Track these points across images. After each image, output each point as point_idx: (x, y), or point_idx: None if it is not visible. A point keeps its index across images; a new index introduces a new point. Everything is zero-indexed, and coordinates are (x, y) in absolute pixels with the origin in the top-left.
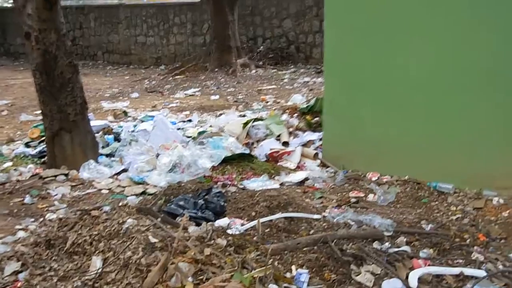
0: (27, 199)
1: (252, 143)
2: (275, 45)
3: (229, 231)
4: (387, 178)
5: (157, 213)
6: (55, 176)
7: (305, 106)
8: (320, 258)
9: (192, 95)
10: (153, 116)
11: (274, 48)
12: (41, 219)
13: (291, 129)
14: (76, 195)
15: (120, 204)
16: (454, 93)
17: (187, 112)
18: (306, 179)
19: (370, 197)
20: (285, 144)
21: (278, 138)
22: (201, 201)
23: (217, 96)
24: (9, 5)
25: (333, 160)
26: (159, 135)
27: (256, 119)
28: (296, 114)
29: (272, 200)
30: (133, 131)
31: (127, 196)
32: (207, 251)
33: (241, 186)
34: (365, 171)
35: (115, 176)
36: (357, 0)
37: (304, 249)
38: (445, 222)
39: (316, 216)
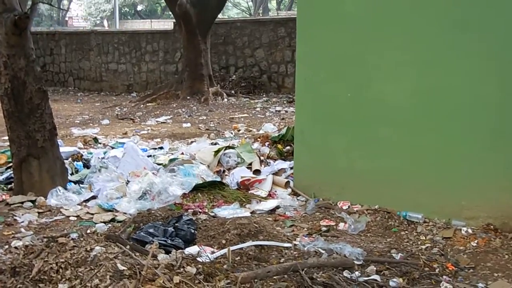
0: None
1: (223, 171)
2: (247, 74)
3: (199, 259)
4: (358, 207)
5: (125, 240)
6: (22, 202)
7: (276, 135)
8: (290, 286)
9: (163, 122)
10: (123, 143)
11: (247, 77)
12: (6, 246)
13: (262, 158)
14: (43, 222)
15: (88, 231)
16: (424, 125)
17: (158, 140)
18: (277, 207)
19: (341, 225)
20: (257, 172)
21: (249, 166)
22: (171, 229)
23: (189, 124)
24: None
25: (304, 189)
26: (129, 162)
27: (227, 147)
28: (267, 143)
29: (242, 228)
30: (103, 158)
31: (96, 223)
32: (176, 279)
33: (212, 214)
34: (336, 200)
35: (84, 203)
36: (329, 32)
37: (275, 277)
38: (414, 251)
39: (286, 245)
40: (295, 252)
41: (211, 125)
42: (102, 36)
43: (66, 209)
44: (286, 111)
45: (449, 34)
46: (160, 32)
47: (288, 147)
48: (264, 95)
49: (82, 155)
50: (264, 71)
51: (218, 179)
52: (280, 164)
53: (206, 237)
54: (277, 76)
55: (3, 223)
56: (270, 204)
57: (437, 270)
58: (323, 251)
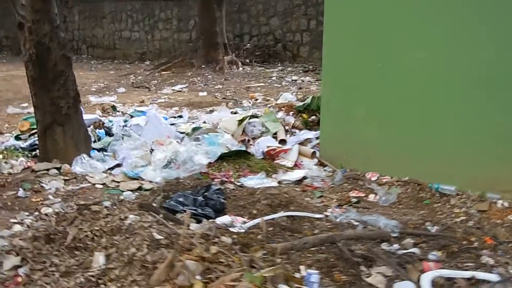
0: (21, 193)
1: (248, 140)
2: (262, 43)
3: (232, 229)
4: (387, 179)
5: (158, 209)
6: (47, 169)
7: (301, 104)
8: (329, 258)
9: (179, 91)
10: (142, 111)
11: (261, 46)
12: (36, 213)
13: (287, 127)
14: (70, 189)
15: (121, 199)
16: (457, 94)
17: (176, 108)
18: (304, 177)
19: (371, 197)
20: (282, 142)
21: (274, 135)
22: (200, 198)
23: (205, 93)
24: None
25: (330, 159)
26: (152, 131)
27: (251, 116)
28: (291, 112)
29: (273, 198)
30: (124, 125)
31: (123, 191)
32: (213, 249)
33: (239, 184)
34: (363, 171)
35: (109, 171)
36: (357, 1)
37: (312, 249)
38: (449, 224)
39: (318, 216)
40: (327, 223)
41: (227, 94)
42: (115, 3)
43: (91, 177)
44: (303, 81)
45: (484, 4)
46: (174, 0)
47: (313, 117)
48: (279, 64)
49: (103, 123)
50: (278, 39)
51: (243, 148)
52: (306, 134)
53: (236, 207)
54: (292, 45)
55: (30, 190)
56: (297, 174)
57: (475, 244)
58: (356, 223)
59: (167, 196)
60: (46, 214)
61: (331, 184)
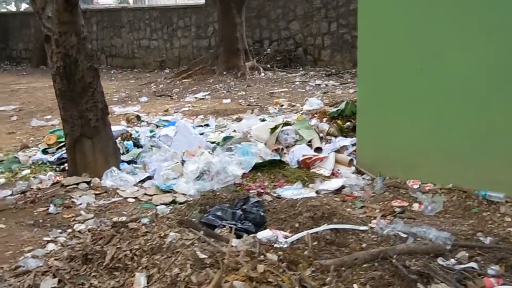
0: (52, 209)
1: (282, 149)
2: (282, 47)
3: (275, 245)
4: (430, 186)
5: (199, 225)
6: (77, 184)
7: (334, 110)
8: (383, 276)
9: (202, 98)
10: (168, 121)
11: (282, 50)
12: (69, 230)
13: (321, 134)
14: (102, 204)
15: (156, 214)
16: (499, 97)
17: (201, 116)
18: (343, 187)
19: (415, 206)
20: (318, 150)
21: (309, 143)
22: (239, 212)
23: (229, 100)
24: (11, 10)
25: (368, 167)
26: (182, 141)
27: (284, 124)
28: (325, 119)
29: (315, 211)
30: (152, 136)
31: (156, 205)
32: (260, 268)
33: (275, 195)
34: (404, 179)
35: (140, 184)
36: (391, 3)
37: (363, 265)
38: (502, 234)
39: (363, 228)
40: (373, 236)
41: (251, 100)
42: (133, 12)
43: (122, 190)
44: (327, 85)
45: None
46: (192, 7)
47: (348, 123)
48: (300, 69)
49: (131, 134)
50: (299, 44)
51: (278, 157)
52: (342, 141)
53: (277, 220)
54: (313, 49)
55: (61, 206)
56: (335, 183)
57: None
58: (404, 235)
59: (204, 210)
60: (80, 231)
61: (372, 193)
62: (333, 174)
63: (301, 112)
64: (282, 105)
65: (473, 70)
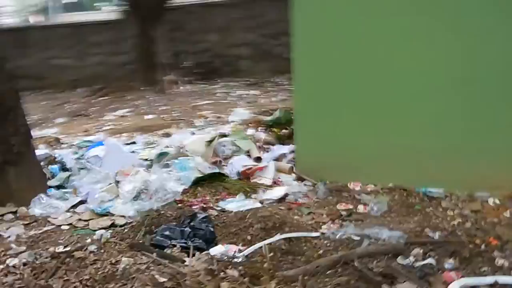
0: None
1: (220, 161)
2: (200, 59)
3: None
4: (371, 187)
5: (150, 247)
6: (2, 215)
7: (269, 118)
8: (349, 281)
9: (123, 116)
10: (91, 141)
11: (200, 62)
12: (1, 266)
13: (259, 144)
14: (33, 234)
15: (101, 239)
16: (437, 93)
17: (125, 134)
18: (286, 195)
19: (360, 208)
20: (257, 159)
21: (247, 153)
22: (187, 229)
23: (151, 116)
24: None
25: (308, 173)
26: (113, 161)
27: (221, 136)
28: (260, 128)
29: (266, 221)
30: (78, 158)
31: (94, 231)
32: (225, 285)
33: (219, 208)
34: (345, 182)
35: (72, 209)
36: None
37: (327, 272)
38: (448, 228)
39: (314, 234)
40: (325, 242)
41: (174, 115)
42: (42, 31)
43: (54, 218)
44: (248, 94)
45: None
46: (105, 23)
47: (284, 130)
48: (219, 80)
49: (55, 158)
50: (217, 55)
51: (217, 170)
52: (280, 149)
53: (227, 234)
54: (231, 59)
55: None
56: (278, 192)
57: (482, 246)
58: (357, 238)
59: (150, 231)
60: (14, 266)
61: (316, 199)
62: (275, 183)
63: (233, 123)
64: (207, 118)
65: (408, 68)
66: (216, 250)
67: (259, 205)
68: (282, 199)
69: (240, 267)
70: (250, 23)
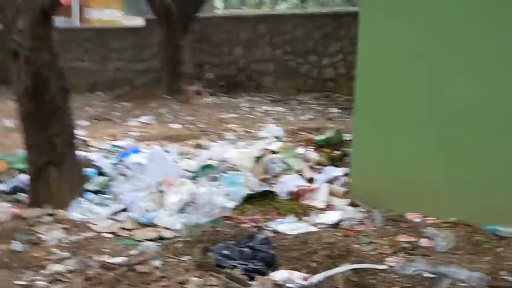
0: (17, 246)
1: (269, 179)
2: (224, 72)
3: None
4: (432, 220)
5: (218, 268)
6: (39, 216)
7: (322, 138)
8: None
9: (147, 123)
10: (120, 146)
11: (224, 75)
12: (44, 271)
13: (309, 163)
14: (74, 239)
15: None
16: (505, 127)
17: (151, 142)
18: (340, 220)
19: (423, 242)
20: (311, 180)
21: (298, 173)
22: (247, 250)
23: (177, 125)
24: None
25: (363, 199)
26: (157, 169)
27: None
28: (311, 147)
29: (332, 248)
30: (115, 163)
31: (139, 241)
32: None
33: (271, 228)
34: (401, 212)
35: (112, 217)
36: (396, 24)
37: None
38: None
39: (381, 267)
40: (394, 276)
41: (200, 126)
42: (63, 33)
43: (94, 224)
44: (275, 111)
45: None
46: (129, 29)
47: (336, 152)
48: (243, 94)
49: (92, 161)
50: (242, 69)
51: (267, 188)
52: (333, 171)
53: (289, 259)
54: (256, 74)
55: (27, 242)
56: (331, 216)
57: None
58: (432, 275)
59: (206, 248)
60: (60, 274)
61: (373, 227)
62: (327, 207)
63: (284, 140)
64: (235, 131)
65: (479, 99)
66: (279, 276)
67: (313, 229)
68: (336, 225)
69: None
70: (276, 40)
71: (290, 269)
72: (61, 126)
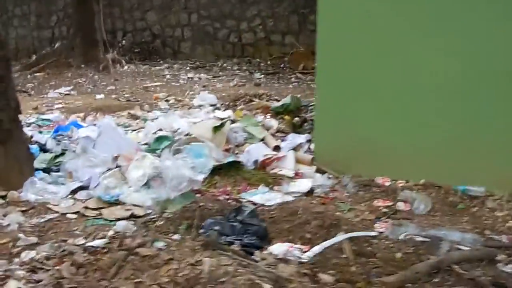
0: None
1: (232, 149)
2: (138, 39)
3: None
4: (402, 183)
5: (224, 245)
6: None
7: (279, 105)
8: None
9: (67, 94)
10: (49, 119)
11: (138, 42)
12: (18, 259)
13: (270, 131)
14: (36, 223)
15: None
16: (476, 88)
17: (81, 114)
18: (312, 188)
19: (401, 205)
20: (276, 148)
21: (262, 141)
22: (238, 225)
23: (102, 96)
24: None
25: (329, 165)
26: (108, 144)
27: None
28: (269, 114)
29: (323, 218)
30: (55, 137)
31: (111, 221)
32: None
33: (244, 200)
34: (369, 176)
35: (70, 196)
36: None
37: (429, 279)
38: (505, 230)
39: (372, 233)
40: (387, 242)
41: (126, 95)
42: None
43: (54, 205)
44: (200, 78)
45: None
46: None
47: (296, 118)
48: (160, 61)
49: (32, 136)
50: (157, 35)
51: (233, 158)
52: (297, 139)
53: (281, 232)
54: (172, 41)
55: None
56: (303, 185)
57: None
58: (425, 239)
59: (192, 225)
60: (40, 262)
61: (346, 194)
62: (296, 175)
63: (239, 108)
64: (167, 100)
65: (445, 61)
66: (278, 249)
67: (287, 198)
68: (309, 193)
69: (331, 271)
70: (191, 4)
71: (284, 242)
72: (5, 100)
